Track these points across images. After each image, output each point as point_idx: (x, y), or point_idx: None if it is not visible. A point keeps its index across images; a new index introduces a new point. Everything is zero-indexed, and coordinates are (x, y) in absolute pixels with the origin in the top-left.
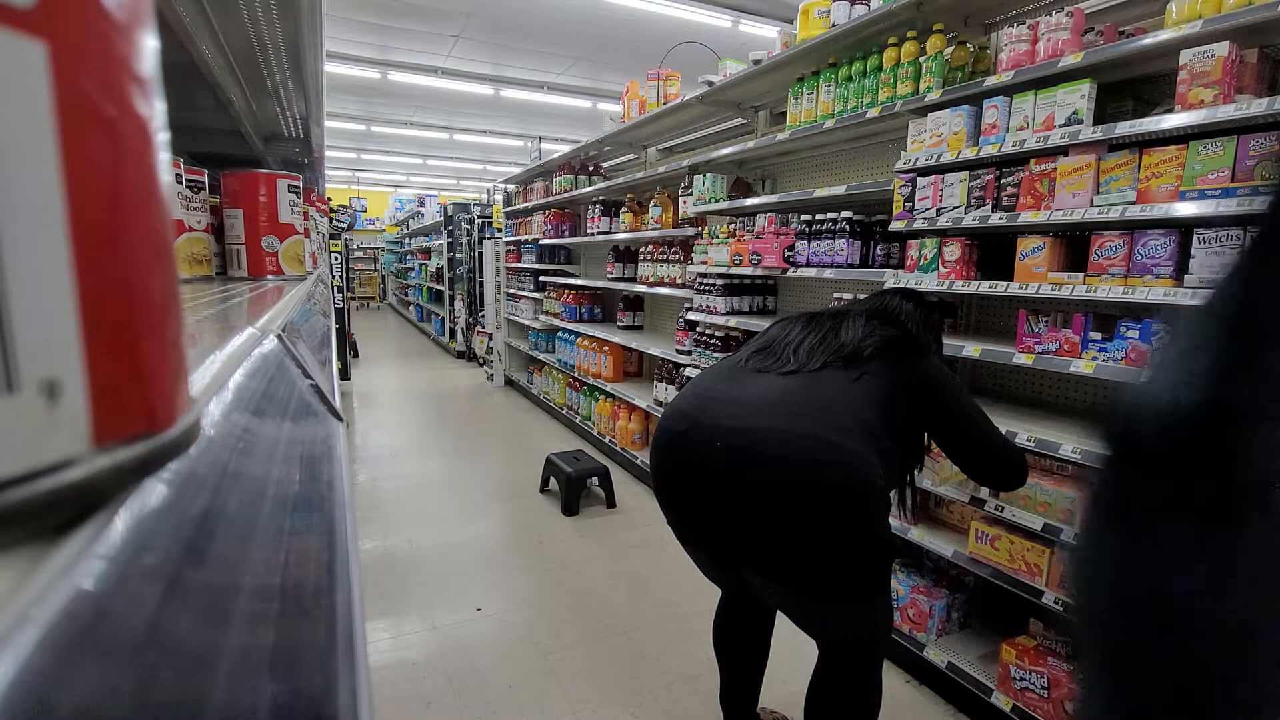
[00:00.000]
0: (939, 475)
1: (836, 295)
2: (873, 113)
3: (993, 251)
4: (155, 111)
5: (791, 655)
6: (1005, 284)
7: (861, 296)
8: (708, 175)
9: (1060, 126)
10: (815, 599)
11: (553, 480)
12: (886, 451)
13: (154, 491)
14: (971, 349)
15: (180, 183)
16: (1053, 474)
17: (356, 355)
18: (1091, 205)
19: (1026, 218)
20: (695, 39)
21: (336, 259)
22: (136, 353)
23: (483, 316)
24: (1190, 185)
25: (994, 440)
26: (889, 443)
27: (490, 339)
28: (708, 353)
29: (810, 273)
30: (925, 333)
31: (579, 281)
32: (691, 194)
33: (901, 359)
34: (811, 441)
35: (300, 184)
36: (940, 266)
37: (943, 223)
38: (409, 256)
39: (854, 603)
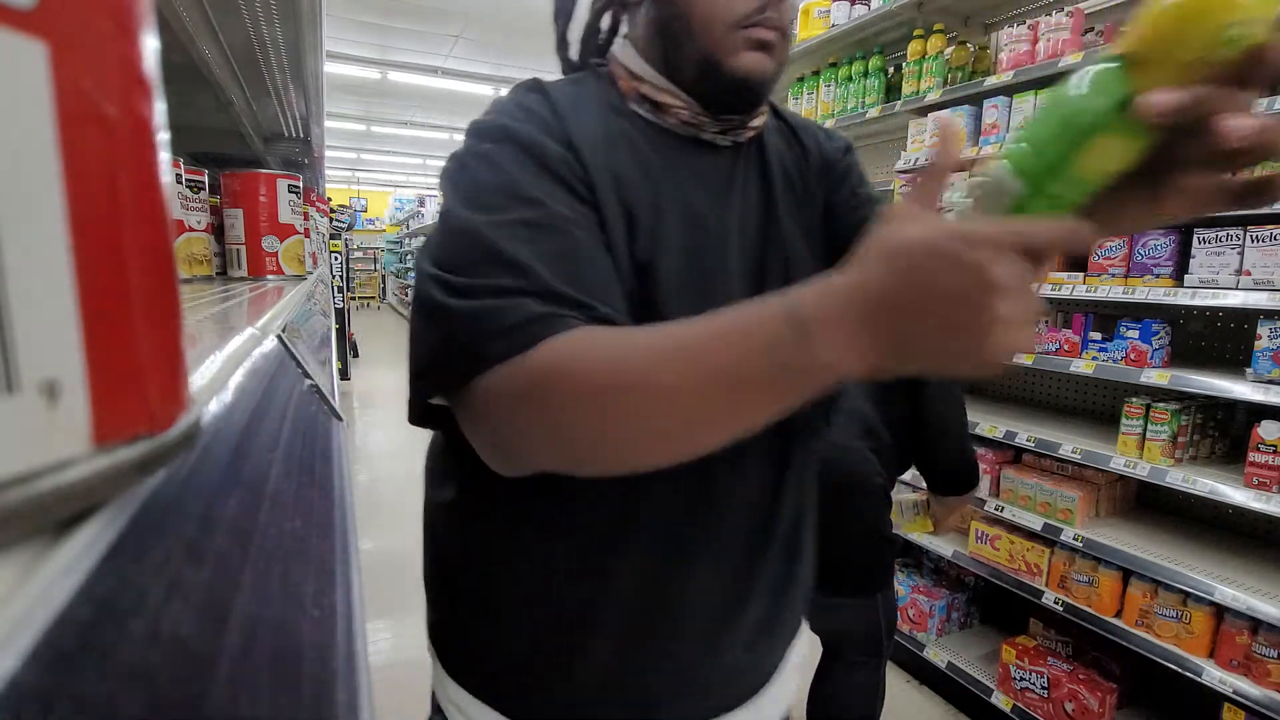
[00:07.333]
0: (904, 526)
1: None
2: (873, 113)
3: None
4: (155, 111)
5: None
6: None
7: None
8: None
9: None
10: (819, 596)
11: None
12: (883, 448)
13: (154, 491)
14: None
15: (180, 183)
16: (1053, 474)
17: (356, 355)
18: None
19: None
20: None
21: (336, 259)
22: (136, 353)
23: None
24: None
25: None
26: (886, 438)
27: None
28: None
29: None
30: None
31: None
32: None
33: None
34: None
35: (300, 184)
36: None
37: None
38: (409, 256)
39: (857, 600)
